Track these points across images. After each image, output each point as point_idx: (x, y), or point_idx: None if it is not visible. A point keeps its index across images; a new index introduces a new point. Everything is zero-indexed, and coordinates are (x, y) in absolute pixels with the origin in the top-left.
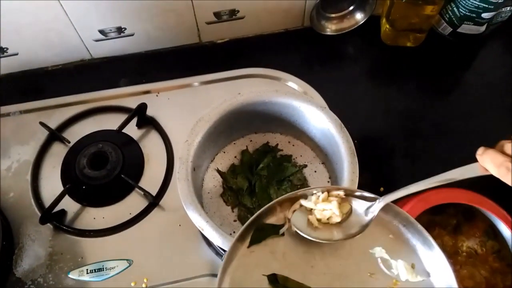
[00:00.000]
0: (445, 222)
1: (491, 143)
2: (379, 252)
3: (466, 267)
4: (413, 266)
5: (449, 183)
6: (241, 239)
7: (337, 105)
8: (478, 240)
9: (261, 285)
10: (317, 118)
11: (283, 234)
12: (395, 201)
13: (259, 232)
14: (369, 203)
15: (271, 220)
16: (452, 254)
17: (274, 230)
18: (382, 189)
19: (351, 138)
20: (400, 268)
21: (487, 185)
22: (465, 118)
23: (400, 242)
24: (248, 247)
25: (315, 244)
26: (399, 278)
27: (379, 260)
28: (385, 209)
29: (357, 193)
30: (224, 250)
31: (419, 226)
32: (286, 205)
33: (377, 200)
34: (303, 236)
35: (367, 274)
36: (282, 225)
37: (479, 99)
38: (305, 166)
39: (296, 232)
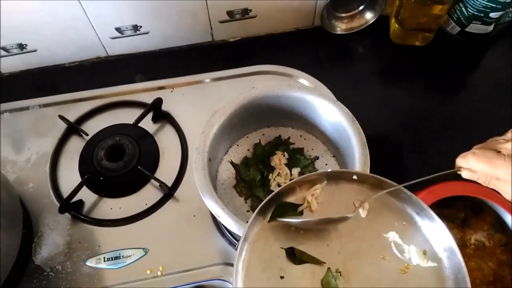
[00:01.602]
0: (453, 216)
1: None
2: (393, 236)
3: (474, 260)
4: (424, 253)
5: (458, 178)
6: (261, 213)
7: (346, 102)
8: (485, 233)
9: (278, 257)
10: (329, 111)
11: (301, 213)
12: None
13: (280, 209)
14: None
15: (291, 199)
16: (460, 247)
17: (294, 208)
18: None
19: None
20: (412, 253)
21: None
22: (472, 116)
23: (413, 229)
24: (269, 221)
25: (332, 224)
26: (410, 262)
27: (392, 244)
28: (401, 197)
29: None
30: (237, 240)
31: (432, 213)
32: (305, 186)
33: None
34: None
35: (380, 256)
36: (301, 204)
37: (487, 97)
38: (317, 158)
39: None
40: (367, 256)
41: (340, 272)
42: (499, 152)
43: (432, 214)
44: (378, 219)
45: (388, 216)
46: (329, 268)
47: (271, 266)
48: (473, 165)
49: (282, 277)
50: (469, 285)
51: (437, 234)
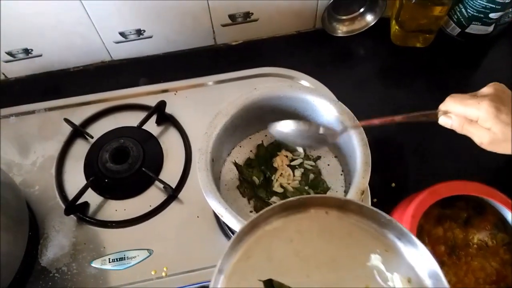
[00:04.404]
0: (456, 215)
1: None
2: (375, 264)
3: (477, 259)
4: (409, 280)
5: (460, 177)
6: (237, 242)
7: (348, 103)
8: (488, 233)
9: None
10: (330, 111)
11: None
12: (402, 201)
13: None
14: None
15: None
16: (463, 247)
17: None
18: (393, 184)
19: None
20: (396, 281)
21: (497, 178)
22: None
23: (396, 255)
24: None
25: (311, 253)
26: None
27: (375, 272)
28: (381, 222)
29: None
30: None
31: (414, 238)
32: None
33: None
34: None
35: (363, 285)
36: None
37: None
38: (319, 158)
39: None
40: (350, 286)
41: None
42: (474, 95)
43: (414, 239)
44: (360, 246)
45: (369, 242)
46: None
47: None
48: (449, 106)
49: None
50: None
51: (420, 260)
